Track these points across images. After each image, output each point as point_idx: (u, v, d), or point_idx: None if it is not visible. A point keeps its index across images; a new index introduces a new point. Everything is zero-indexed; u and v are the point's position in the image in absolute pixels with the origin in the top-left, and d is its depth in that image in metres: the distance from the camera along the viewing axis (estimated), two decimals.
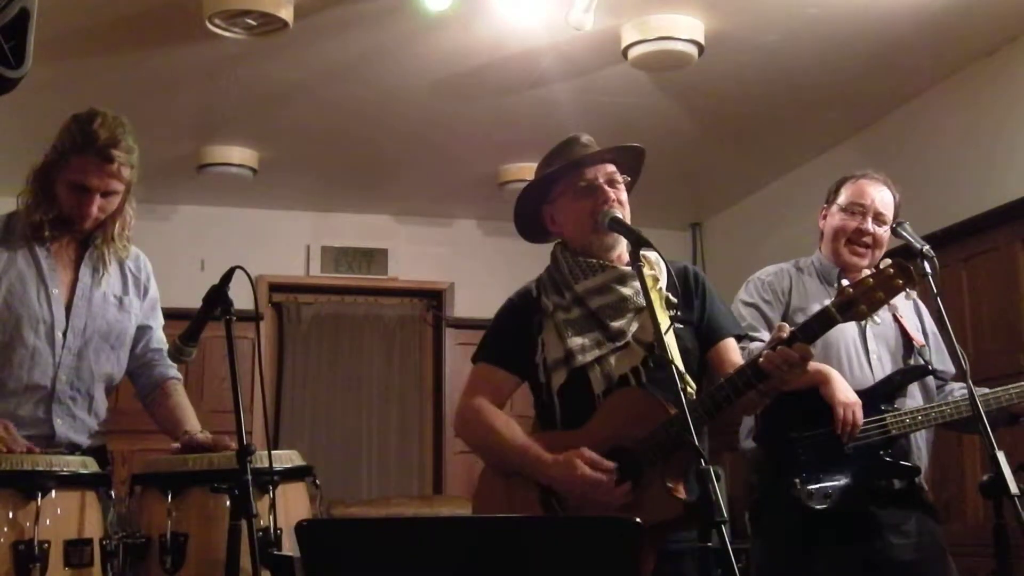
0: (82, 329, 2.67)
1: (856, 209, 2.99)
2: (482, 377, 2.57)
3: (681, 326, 2.41)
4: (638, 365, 2.40)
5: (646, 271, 2.41)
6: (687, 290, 2.48)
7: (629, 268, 2.46)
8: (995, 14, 4.41)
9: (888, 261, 2.17)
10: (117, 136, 2.59)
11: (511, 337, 2.54)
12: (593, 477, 2.28)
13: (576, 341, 2.42)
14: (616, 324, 2.42)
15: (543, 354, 2.48)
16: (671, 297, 2.42)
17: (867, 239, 2.98)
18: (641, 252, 2.48)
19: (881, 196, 3.01)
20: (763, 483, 2.91)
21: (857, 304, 2.16)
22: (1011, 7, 4.36)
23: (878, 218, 2.99)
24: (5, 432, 2.38)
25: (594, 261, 2.48)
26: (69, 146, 2.59)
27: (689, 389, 2.31)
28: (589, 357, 2.41)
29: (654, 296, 2.40)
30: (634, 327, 2.43)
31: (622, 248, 2.51)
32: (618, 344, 2.42)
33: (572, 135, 2.58)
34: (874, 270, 2.26)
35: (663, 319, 2.36)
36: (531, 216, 2.60)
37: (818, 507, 2.73)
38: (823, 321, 2.17)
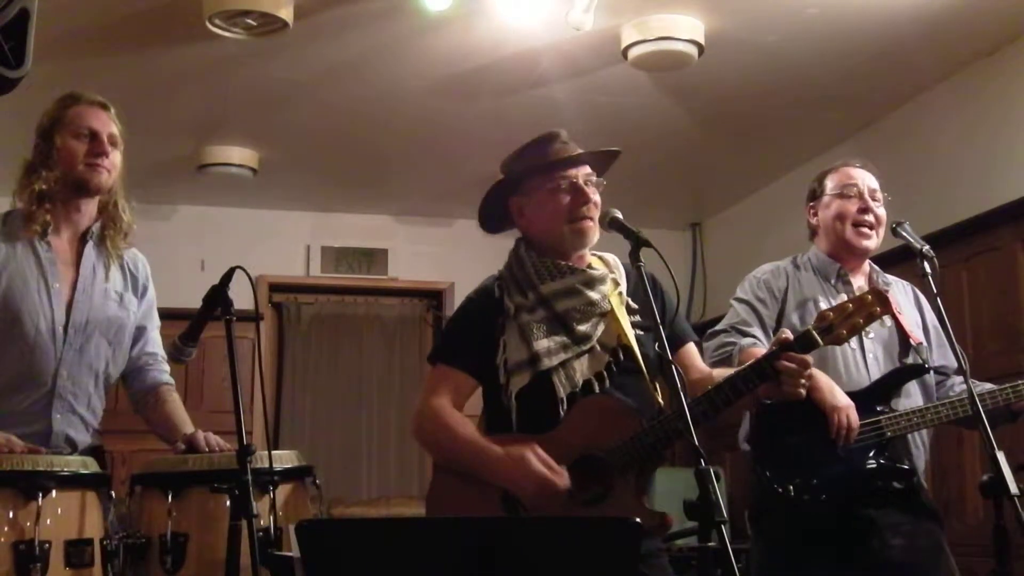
0: (83, 324, 2.66)
1: (851, 192, 2.98)
2: (441, 379, 2.48)
3: (643, 332, 2.40)
4: (602, 370, 2.37)
5: (607, 274, 2.44)
6: (649, 296, 2.39)
7: (596, 271, 2.45)
8: (995, 14, 4.41)
9: (866, 287, 2.22)
10: (102, 99, 2.73)
11: (471, 339, 2.48)
12: (547, 475, 2.22)
13: (543, 344, 2.37)
14: (582, 328, 2.38)
15: (503, 356, 2.41)
16: (631, 303, 2.43)
17: (870, 218, 2.96)
18: (600, 255, 2.49)
19: (867, 176, 3.02)
20: (760, 486, 2.90)
21: (837, 328, 2.23)
22: (1011, 7, 4.36)
23: (872, 196, 2.99)
24: (5, 441, 2.37)
25: (562, 263, 2.44)
26: (60, 107, 2.69)
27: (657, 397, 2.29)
28: (555, 361, 2.36)
29: (615, 300, 2.41)
30: (599, 331, 2.39)
31: (587, 248, 2.49)
32: (583, 348, 2.38)
33: (551, 131, 2.54)
34: (853, 295, 2.31)
35: (625, 323, 2.36)
36: (496, 205, 2.59)
37: (814, 510, 2.73)
38: (804, 343, 2.21)
